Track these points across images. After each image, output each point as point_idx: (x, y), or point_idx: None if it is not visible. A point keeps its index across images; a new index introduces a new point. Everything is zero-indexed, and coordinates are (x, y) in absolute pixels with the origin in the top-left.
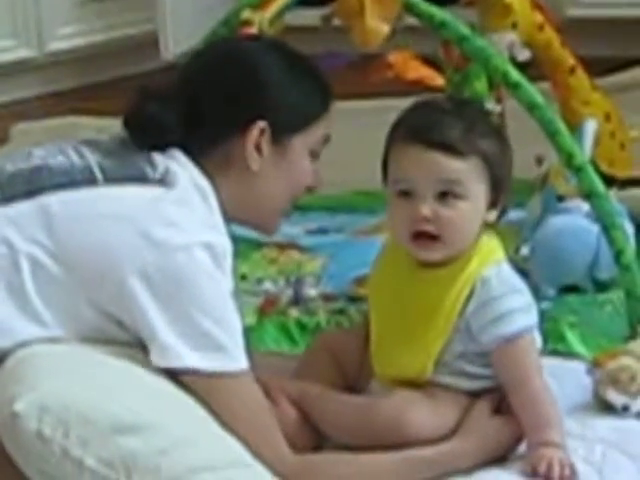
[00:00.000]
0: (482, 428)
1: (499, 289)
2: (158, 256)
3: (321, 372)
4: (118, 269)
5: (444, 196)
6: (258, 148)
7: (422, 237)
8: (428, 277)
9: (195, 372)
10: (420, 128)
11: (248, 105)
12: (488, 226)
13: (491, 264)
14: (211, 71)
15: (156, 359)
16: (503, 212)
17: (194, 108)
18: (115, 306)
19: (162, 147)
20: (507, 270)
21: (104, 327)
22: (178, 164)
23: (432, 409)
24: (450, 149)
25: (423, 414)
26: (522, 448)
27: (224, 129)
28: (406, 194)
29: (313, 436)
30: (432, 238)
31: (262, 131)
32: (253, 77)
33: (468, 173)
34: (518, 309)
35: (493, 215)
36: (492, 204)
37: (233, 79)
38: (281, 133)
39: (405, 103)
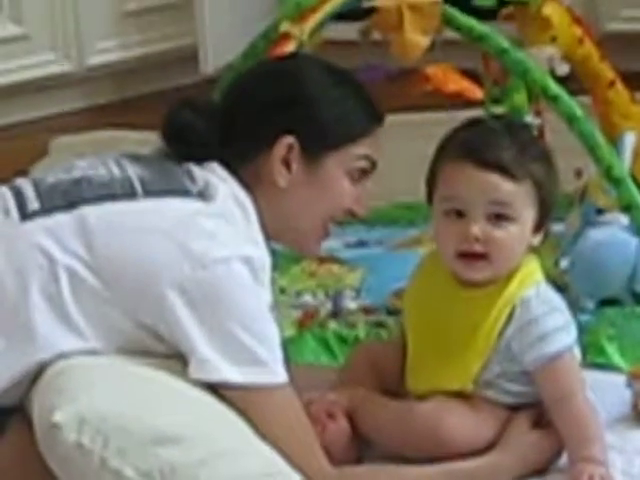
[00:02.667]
0: (522, 441)
1: (540, 309)
2: (197, 270)
3: (361, 382)
4: (156, 282)
5: (495, 217)
6: (287, 164)
7: (469, 256)
8: (468, 297)
9: (233, 386)
10: (474, 147)
11: (277, 120)
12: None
13: (531, 285)
14: (247, 86)
15: (194, 372)
16: (545, 235)
17: (229, 121)
18: (153, 319)
19: (199, 159)
20: (546, 289)
21: (142, 339)
22: (217, 177)
23: (470, 416)
24: (505, 171)
25: (461, 420)
26: (562, 461)
27: (254, 143)
28: (456, 212)
29: (358, 448)
30: (479, 258)
31: (290, 147)
32: (285, 92)
33: (520, 196)
34: (560, 328)
35: (538, 239)
36: (537, 228)
37: (265, 94)
38: (312, 150)
39: (444, 117)
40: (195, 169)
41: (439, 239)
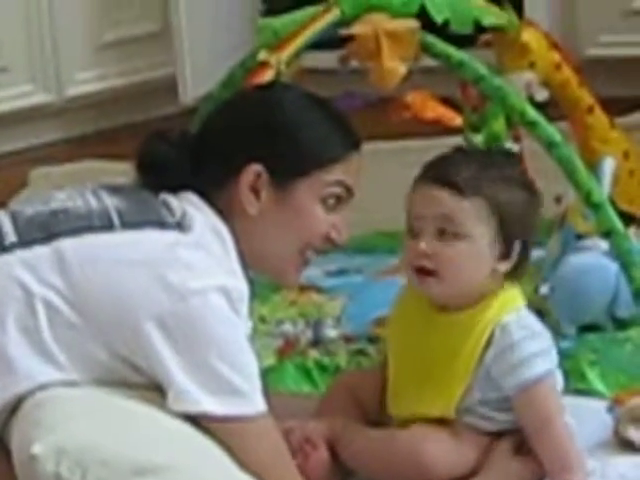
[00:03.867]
0: (503, 468)
1: (519, 333)
2: (173, 301)
3: (342, 411)
4: (134, 314)
5: (443, 234)
6: (256, 192)
7: (421, 272)
8: (447, 322)
9: (212, 417)
10: (433, 167)
11: (245, 147)
12: (509, 275)
13: (511, 310)
14: (218, 115)
15: (173, 403)
16: (520, 264)
17: (201, 149)
18: (131, 351)
19: (173, 189)
20: (527, 315)
21: (120, 371)
22: (194, 207)
23: (451, 443)
24: (452, 186)
25: (442, 446)
26: None
27: (224, 171)
28: (412, 231)
29: (339, 477)
30: (429, 274)
31: (258, 174)
32: (253, 120)
33: (468, 213)
34: (539, 353)
35: (504, 266)
36: (504, 255)
37: (235, 121)
38: (281, 177)
39: (424, 144)
40: (172, 199)
41: (403, 259)
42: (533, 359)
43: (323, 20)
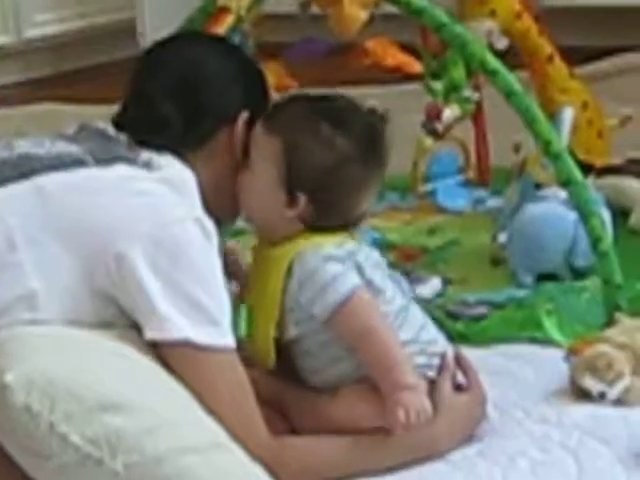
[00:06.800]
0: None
1: (314, 261)
2: (155, 229)
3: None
4: (116, 243)
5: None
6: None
7: None
8: (264, 256)
9: (190, 344)
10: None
11: (236, 95)
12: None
13: (311, 244)
14: (197, 69)
15: (152, 332)
16: (324, 218)
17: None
18: (112, 282)
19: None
20: (327, 246)
21: (99, 307)
22: (158, 154)
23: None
24: (266, 120)
25: (375, 407)
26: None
27: (215, 124)
28: None
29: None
30: None
31: (245, 120)
32: (232, 70)
33: (261, 147)
34: (338, 275)
35: (290, 213)
36: (289, 202)
37: (220, 73)
38: (252, 122)
39: (384, 91)
40: (135, 146)
41: None
42: (333, 282)
43: None
